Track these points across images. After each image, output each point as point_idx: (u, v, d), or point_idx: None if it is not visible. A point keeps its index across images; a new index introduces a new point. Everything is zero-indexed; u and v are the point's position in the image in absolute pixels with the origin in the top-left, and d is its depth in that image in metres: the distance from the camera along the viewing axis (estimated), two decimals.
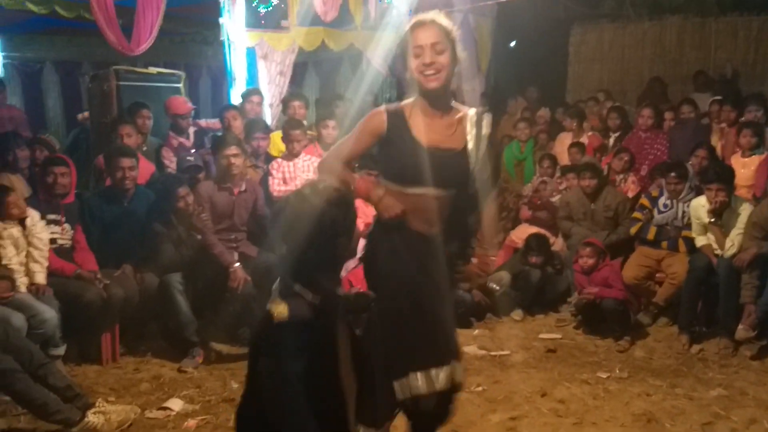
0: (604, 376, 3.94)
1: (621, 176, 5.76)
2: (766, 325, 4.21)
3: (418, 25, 2.27)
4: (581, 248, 4.88)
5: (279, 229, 1.89)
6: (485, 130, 2.38)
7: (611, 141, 6.36)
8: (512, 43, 9.65)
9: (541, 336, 4.73)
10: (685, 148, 5.61)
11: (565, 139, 6.66)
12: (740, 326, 4.25)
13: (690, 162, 5.29)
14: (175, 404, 3.45)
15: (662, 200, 5.09)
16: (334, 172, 2.30)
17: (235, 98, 5.89)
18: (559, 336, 4.71)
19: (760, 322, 4.20)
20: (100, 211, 4.27)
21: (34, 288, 3.69)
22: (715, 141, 5.77)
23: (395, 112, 2.33)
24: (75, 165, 4.33)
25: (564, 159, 6.36)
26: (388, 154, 2.34)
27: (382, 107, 2.38)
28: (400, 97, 5.51)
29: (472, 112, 2.37)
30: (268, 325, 1.80)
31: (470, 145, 2.32)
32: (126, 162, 4.26)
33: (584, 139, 6.50)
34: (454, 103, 2.38)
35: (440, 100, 2.33)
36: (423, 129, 2.29)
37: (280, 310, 1.78)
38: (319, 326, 1.82)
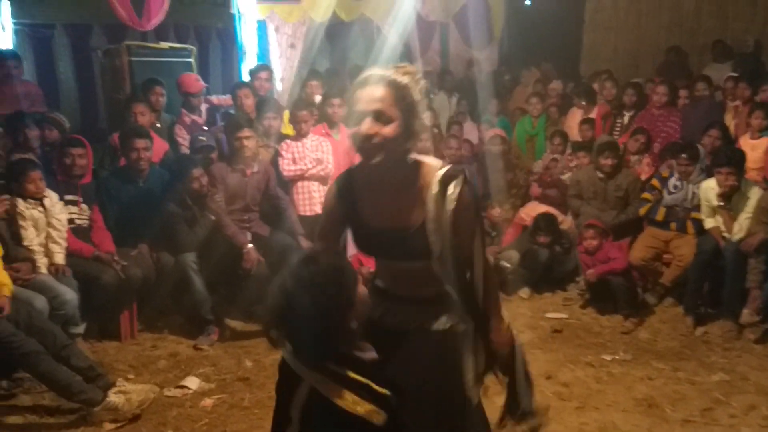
0: (608, 358, 4.03)
1: (636, 157, 5.74)
2: None
3: (360, 84, 1.85)
4: (584, 231, 4.92)
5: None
6: (450, 202, 1.85)
7: (626, 119, 6.30)
8: (527, 1, 9.50)
9: (548, 315, 4.81)
10: (698, 127, 5.57)
11: (576, 114, 6.62)
12: (745, 310, 4.31)
13: (702, 142, 5.26)
14: (192, 383, 3.59)
15: (672, 181, 5.10)
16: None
17: (246, 74, 5.88)
18: (565, 315, 4.80)
19: (764, 307, 4.25)
20: (116, 191, 4.35)
21: (53, 269, 3.80)
22: (729, 120, 5.73)
23: (344, 184, 1.98)
24: (89, 142, 4.40)
25: (574, 134, 6.34)
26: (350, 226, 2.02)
27: (334, 182, 2.05)
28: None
29: (439, 174, 1.88)
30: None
31: (429, 223, 1.86)
32: (140, 143, 4.32)
33: (594, 115, 6.46)
34: (420, 162, 1.91)
35: (390, 172, 1.89)
36: (368, 206, 1.94)
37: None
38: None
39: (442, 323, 1.96)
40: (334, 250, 1.96)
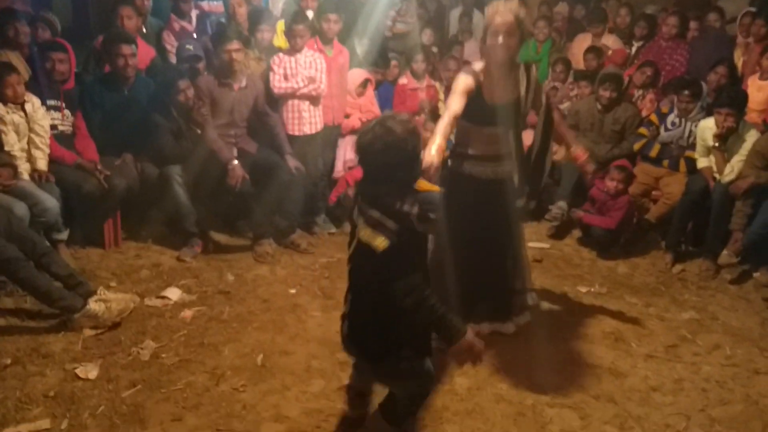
0: (584, 290, 4.10)
1: (640, 92, 5.59)
2: (749, 253, 4.29)
3: (495, 11, 2.87)
4: (613, 170, 4.75)
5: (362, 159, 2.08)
6: (533, 75, 3.08)
7: (633, 49, 6.09)
8: None
9: (530, 244, 4.81)
10: (705, 61, 5.40)
11: (582, 41, 6.38)
12: (725, 251, 4.34)
13: (708, 78, 5.12)
14: (173, 293, 3.66)
15: (671, 117, 5.01)
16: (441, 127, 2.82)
17: None
18: (547, 246, 4.85)
19: (744, 250, 4.28)
20: (100, 98, 4.27)
21: (36, 175, 3.79)
22: (738, 56, 5.53)
23: (475, 77, 2.96)
24: (74, 42, 4.27)
25: (579, 62, 6.15)
26: (466, 105, 2.93)
27: (466, 71, 3.00)
28: None
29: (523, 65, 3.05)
30: (375, 258, 1.99)
31: (522, 92, 3.04)
32: (126, 49, 4.19)
33: (604, 42, 6.23)
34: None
35: (505, 67, 2.94)
36: (490, 91, 2.96)
37: (380, 241, 1.98)
38: (412, 242, 2.05)
39: (509, 171, 3.16)
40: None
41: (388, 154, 2.00)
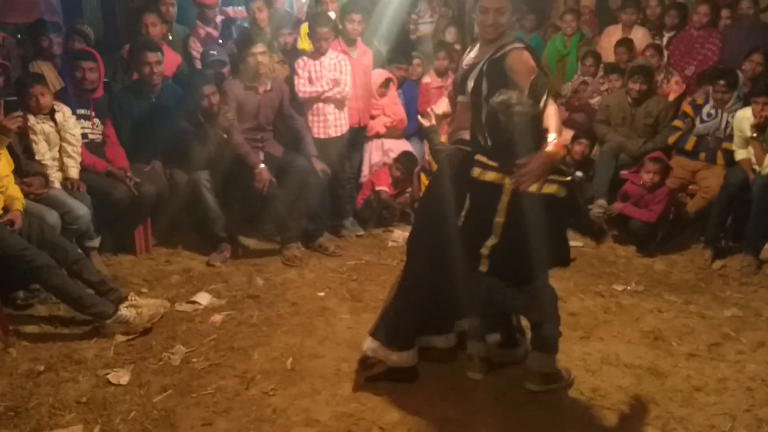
0: (620, 288, 3.98)
1: (662, 76, 5.44)
2: None
3: None
4: (648, 163, 4.61)
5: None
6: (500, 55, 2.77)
7: (665, 40, 5.93)
8: None
9: None
10: (738, 50, 5.23)
11: (612, 34, 6.23)
12: (767, 245, 4.18)
13: (743, 67, 4.95)
14: (203, 298, 3.67)
15: (706, 109, 4.85)
16: None
17: None
18: (580, 244, 4.73)
19: None
20: (128, 106, 4.31)
21: (69, 183, 3.84)
22: None
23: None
24: (104, 54, 4.33)
25: (609, 55, 6.01)
26: None
27: None
28: None
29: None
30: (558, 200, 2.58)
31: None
32: (152, 57, 4.23)
33: (634, 35, 6.07)
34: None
35: (493, 43, 2.81)
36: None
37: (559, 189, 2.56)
38: None
39: None
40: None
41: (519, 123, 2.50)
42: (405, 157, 4.97)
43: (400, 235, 4.75)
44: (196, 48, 4.94)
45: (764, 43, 5.20)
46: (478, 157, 2.66)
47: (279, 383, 2.87)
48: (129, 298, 3.30)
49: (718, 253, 4.47)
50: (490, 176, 2.62)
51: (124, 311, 3.21)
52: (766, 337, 3.38)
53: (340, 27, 4.63)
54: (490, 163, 2.62)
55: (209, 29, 5.12)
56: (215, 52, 4.64)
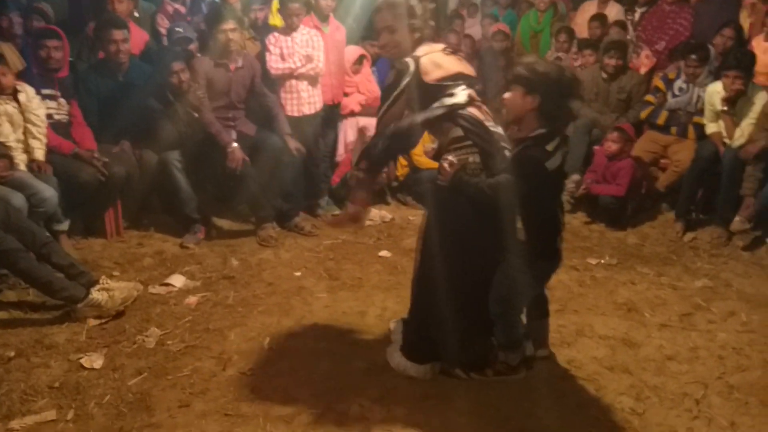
0: (594, 262, 4.03)
1: (629, 50, 5.46)
2: (761, 219, 4.20)
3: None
4: (610, 132, 4.74)
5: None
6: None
7: (637, 15, 5.96)
8: None
9: None
10: (710, 24, 5.28)
11: (588, 10, 6.24)
12: (737, 217, 4.26)
13: (714, 41, 5.00)
14: (177, 280, 3.61)
15: (678, 83, 4.90)
16: None
17: None
18: None
19: (756, 215, 4.20)
20: (95, 86, 4.19)
21: (35, 165, 3.73)
22: (744, 18, 5.40)
23: None
24: (69, 33, 4.19)
25: (583, 31, 6.02)
26: None
27: None
28: None
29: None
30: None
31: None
32: (118, 34, 4.11)
33: (608, 11, 6.08)
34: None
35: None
36: None
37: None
38: None
39: None
40: None
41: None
42: None
43: (376, 213, 4.73)
44: (163, 25, 4.82)
45: (735, 18, 5.25)
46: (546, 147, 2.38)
47: (256, 363, 2.85)
48: (100, 281, 3.22)
49: (689, 225, 4.54)
50: (556, 162, 2.39)
51: (96, 295, 3.14)
52: (735, 306, 3.46)
53: (312, 2, 4.54)
54: (550, 147, 2.37)
55: (177, 5, 5.00)
56: (181, 29, 4.52)
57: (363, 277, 3.75)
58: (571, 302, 3.48)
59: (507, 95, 2.42)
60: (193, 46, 4.50)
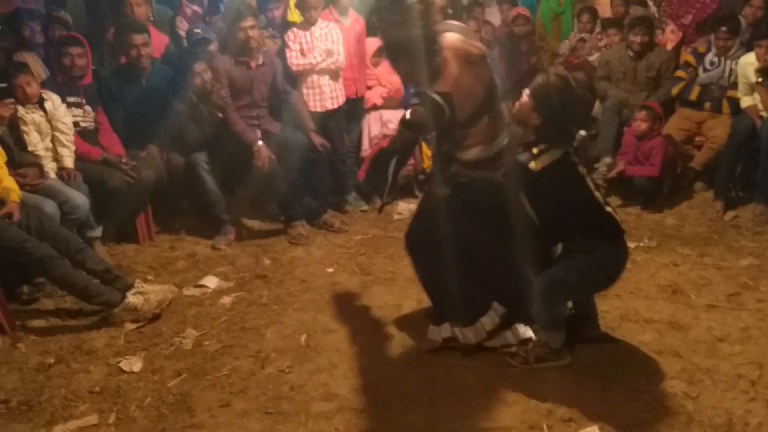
0: (632, 245, 3.88)
1: (654, 25, 5.31)
2: None
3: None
4: (638, 111, 4.64)
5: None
6: None
7: None
8: None
9: None
10: None
11: None
12: None
13: (743, 12, 4.84)
14: (211, 281, 3.60)
15: (709, 57, 4.75)
16: None
17: None
18: None
19: None
20: (119, 92, 4.19)
21: (64, 173, 3.75)
22: None
23: None
24: (90, 40, 4.21)
25: (606, 11, 5.88)
26: None
27: None
28: None
29: None
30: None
31: None
32: (138, 39, 4.10)
33: None
34: None
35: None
36: None
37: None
38: None
39: None
40: None
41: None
42: None
43: (405, 207, 4.68)
44: (183, 27, 4.82)
45: None
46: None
47: (294, 360, 2.82)
48: (135, 285, 3.23)
49: (729, 203, 4.40)
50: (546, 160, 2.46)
51: (132, 298, 3.14)
52: None
53: None
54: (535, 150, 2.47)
55: (195, 7, 4.99)
56: (199, 30, 4.50)
57: (396, 271, 3.69)
58: (612, 287, 3.37)
59: (522, 99, 2.49)
60: (213, 47, 4.48)
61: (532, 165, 2.43)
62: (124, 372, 2.75)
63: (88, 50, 4.09)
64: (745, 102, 4.44)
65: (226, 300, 3.41)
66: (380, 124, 4.87)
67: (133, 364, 2.79)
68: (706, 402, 2.41)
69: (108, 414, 2.48)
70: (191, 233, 4.33)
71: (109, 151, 3.99)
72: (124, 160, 3.91)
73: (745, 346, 2.77)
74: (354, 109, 4.73)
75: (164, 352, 2.92)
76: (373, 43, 4.86)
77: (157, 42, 4.50)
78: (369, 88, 4.86)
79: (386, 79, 4.97)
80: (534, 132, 2.48)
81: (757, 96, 4.35)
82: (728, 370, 2.59)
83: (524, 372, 2.63)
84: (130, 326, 3.11)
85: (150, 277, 3.68)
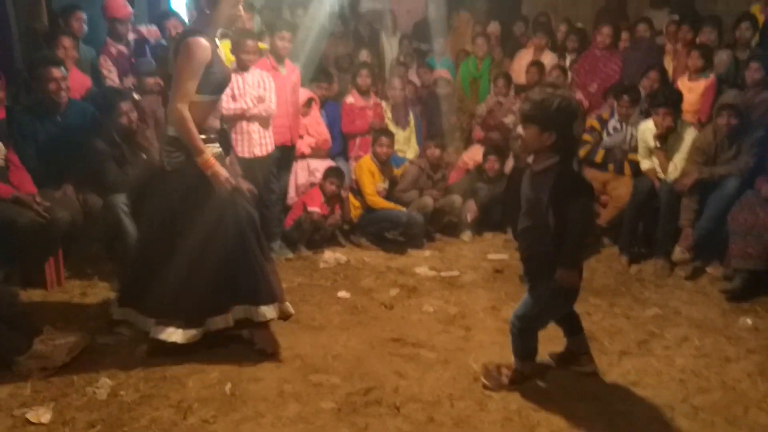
0: None
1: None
2: (701, 248, 4.41)
3: None
4: None
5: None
6: None
7: (567, 62, 6.30)
8: None
9: (489, 256, 4.86)
10: (637, 69, 5.62)
11: (524, 57, 6.54)
12: (677, 248, 4.46)
13: (641, 84, 5.32)
14: (127, 329, 3.41)
15: (612, 123, 5.16)
16: None
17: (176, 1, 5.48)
18: (506, 257, 4.85)
19: (695, 245, 4.40)
20: (31, 128, 3.98)
21: None
22: (668, 62, 5.79)
23: None
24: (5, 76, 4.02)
25: (520, 77, 6.28)
26: None
27: None
28: None
29: None
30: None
31: None
32: (57, 72, 3.94)
33: (543, 58, 6.39)
34: None
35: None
36: None
37: None
38: None
39: None
40: None
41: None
42: (334, 172, 4.91)
43: (331, 256, 4.68)
44: (107, 66, 4.69)
45: (660, 62, 5.63)
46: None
47: (219, 410, 2.70)
48: (44, 331, 3.01)
49: (633, 258, 4.71)
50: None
51: (39, 346, 2.92)
52: (687, 332, 3.59)
53: (267, 46, 4.55)
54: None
55: (120, 47, 4.88)
56: (111, 81, 4.41)
57: (323, 319, 3.66)
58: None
59: (523, 133, 2.69)
60: (156, 80, 4.36)
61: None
62: (32, 423, 2.53)
63: (3, 83, 3.89)
64: (645, 165, 4.84)
65: (144, 348, 3.24)
66: (307, 173, 4.90)
67: (41, 415, 2.58)
68: None
69: None
70: (104, 279, 4.10)
71: (20, 189, 3.75)
72: (37, 200, 3.68)
73: (657, 390, 2.94)
74: (287, 156, 4.74)
75: (76, 402, 2.72)
76: (303, 94, 4.95)
77: (78, 83, 4.35)
78: (300, 137, 4.91)
79: (314, 129, 5.04)
80: (550, 150, 2.62)
81: (655, 159, 4.74)
82: (643, 413, 2.75)
83: (452, 415, 2.65)
84: (37, 375, 2.88)
85: (60, 324, 3.43)
